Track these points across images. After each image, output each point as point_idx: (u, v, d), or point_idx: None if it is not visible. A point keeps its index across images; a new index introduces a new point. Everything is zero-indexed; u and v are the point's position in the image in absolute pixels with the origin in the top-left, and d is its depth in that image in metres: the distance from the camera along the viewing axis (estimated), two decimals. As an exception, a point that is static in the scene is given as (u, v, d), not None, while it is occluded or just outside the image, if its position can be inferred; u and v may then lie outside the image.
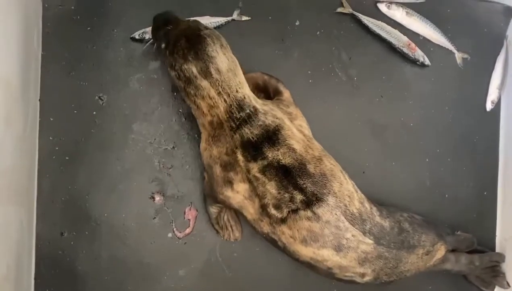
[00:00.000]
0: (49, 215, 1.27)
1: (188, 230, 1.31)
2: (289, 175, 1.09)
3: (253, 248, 1.32)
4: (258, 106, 1.15)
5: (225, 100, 1.11)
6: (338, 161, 1.22)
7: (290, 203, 1.08)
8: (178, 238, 1.31)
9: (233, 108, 1.12)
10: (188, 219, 1.32)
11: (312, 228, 1.08)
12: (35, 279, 1.27)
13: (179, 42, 1.10)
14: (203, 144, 1.19)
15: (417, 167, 1.42)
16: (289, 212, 1.09)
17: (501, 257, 1.38)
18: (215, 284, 1.32)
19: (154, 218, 1.31)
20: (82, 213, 1.28)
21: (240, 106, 1.12)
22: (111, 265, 1.29)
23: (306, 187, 1.09)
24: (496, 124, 1.46)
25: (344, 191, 1.13)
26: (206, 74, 1.10)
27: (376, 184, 1.37)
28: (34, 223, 1.27)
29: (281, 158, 1.09)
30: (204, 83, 1.10)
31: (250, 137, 1.10)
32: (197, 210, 1.32)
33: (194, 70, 1.09)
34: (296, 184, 1.08)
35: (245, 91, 1.15)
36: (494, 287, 1.37)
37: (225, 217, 1.28)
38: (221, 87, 1.11)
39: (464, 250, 1.34)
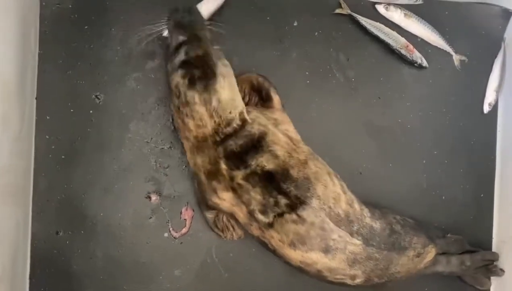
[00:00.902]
0: (45, 214, 1.27)
1: (184, 230, 1.31)
2: (273, 180, 1.10)
3: (249, 249, 1.32)
4: (246, 117, 1.15)
5: (215, 122, 1.11)
6: (334, 162, 1.22)
7: (275, 207, 1.09)
8: (174, 238, 1.31)
9: (221, 126, 1.12)
10: (185, 219, 1.31)
11: (298, 231, 1.09)
12: (30, 278, 1.26)
13: (193, 70, 1.09)
14: (188, 154, 1.20)
15: (414, 169, 1.42)
16: (275, 216, 1.09)
17: (494, 256, 1.38)
18: (211, 285, 1.32)
19: (150, 217, 1.31)
20: (78, 212, 1.28)
21: (228, 123, 1.12)
22: (106, 264, 1.28)
23: (290, 191, 1.09)
24: (493, 126, 1.46)
25: (329, 193, 1.13)
26: (206, 103, 1.10)
27: (372, 185, 1.37)
28: (30, 222, 1.26)
29: (265, 164, 1.10)
30: (202, 109, 1.10)
31: (234, 149, 1.11)
32: (193, 210, 1.32)
33: (197, 98, 1.09)
34: (280, 188, 1.09)
35: (238, 109, 1.14)
36: (490, 286, 1.37)
37: (224, 218, 1.27)
38: (215, 112, 1.11)
39: (455, 252, 1.33)
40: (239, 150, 1.11)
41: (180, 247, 1.31)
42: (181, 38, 1.12)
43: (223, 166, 1.11)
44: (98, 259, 1.28)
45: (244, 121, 1.14)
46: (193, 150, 1.16)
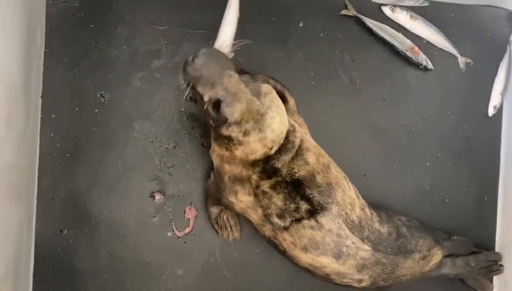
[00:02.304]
0: (49, 212, 1.27)
1: (187, 230, 1.31)
2: (299, 187, 1.09)
3: (253, 249, 1.32)
4: (291, 129, 1.10)
5: (269, 148, 1.05)
6: (339, 163, 1.22)
7: (294, 213, 1.09)
8: (177, 237, 1.31)
9: (272, 149, 1.06)
10: (188, 219, 1.31)
11: (314, 237, 1.09)
12: (34, 276, 1.27)
13: (244, 125, 1.00)
14: (215, 153, 1.15)
15: (417, 171, 1.42)
16: (292, 221, 1.09)
17: (498, 256, 1.38)
18: (214, 285, 1.32)
19: (154, 217, 1.31)
20: (82, 210, 1.28)
21: (279, 143, 1.07)
22: (110, 263, 1.28)
23: (314, 196, 1.09)
24: (498, 129, 1.46)
25: (347, 198, 1.13)
26: (262, 140, 1.03)
27: (376, 187, 1.37)
28: (34, 220, 1.26)
29: (296, 171, 1.09)
30: (258, 146, 1.04)
31: (276, 165, 1.08)
32: (197, 210, 1.32)
33: (252, 139, 1.02)
34: (304, 194, 1.09)
35: (287, 125, 1.08)
36: (492, 289, 1.37)
37: (225, 217, 1.28)
38: (270, 141, 1.04)
39: (462, 254, 1.34)
40: (280, 165, 1.08)
41: (183, 246, 1.31)
42: (213, 96, 1.00)
43: (253, 176, 1.09)
44: (101, 257, 1.28)
45: (288, 133, 1.09)
46: (223, 157, 1.12)
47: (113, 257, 1.29)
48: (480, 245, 1.39)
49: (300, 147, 1.10)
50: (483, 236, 1.43)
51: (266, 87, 1.07)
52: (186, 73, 1.01)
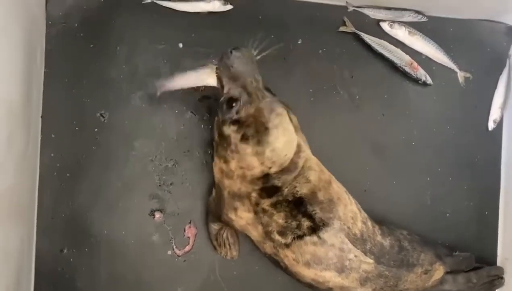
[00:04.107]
0: (49, 232, 1.27)
1: (187, 248, 1.31)
2: (301, 204, 1.09)
3: (253, 267, 1.32)
4: (295, 150, 1.09)
5: (266, 167, 1.05)
6: (339, 179, 1.22)
7: (296, 230, 1.09)
8: (177, 255, 1.31)
9: (271, 169, 1.06)
10: (188, 237, 1.31)
11: (317, 252, 1.09)
12: (34, 295, 1.27)
13: (245, 129, 1.02)
14: (216, 167, 1.15)
15: (418, 186, 1.41)
16: (294, 238, 1.09)
17: (499, 270, 1.38)
18: (214, 303, 1.31)
19: (154, 235, 1.31)
20: (82, 229, 1.28)
21: (281, 165, 1.06)
22: (110, 282, 1.28)
23: (316, 213, 1.09)
24: (498, 143, 1.46)
25: (348, 212, 1.13)
26: (259, 154, 1.04)
27: (377, 202, 1.37)
28: (34, 240, 1.27)
29: (298, 190, 1.08)
30: (253, 160, 1.04)
31: (277, 184, 1.08)
32: (196, 228, 1.32)
33: (249, 150, 1.03)
34: (306, 211, 1.09)
35: (294, 149, 1.08)
36: None
37: (224, 234, 1.28)
38: (268, 160, 1.05)
39: (464, 269, 1.33)
40: (281, 184, 1.08)
41: (183, 264, 1.31)
42: (232, 92, 1.05)
43: (253, 194, 1.10)
44: (101, 276, 1.28)
45: (294, 154, 1.08)
46: (223, 171, 1.12)
47: (113, 275, 1.28)
48: (481, 259, 1.39)
49: (303, 166, 1.10)
50: (484, 250, 1.43)
51: (280, 109, 1.08)
52: (220, 61, 1.07)
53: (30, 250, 1.25)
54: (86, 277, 1.28)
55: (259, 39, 1.13)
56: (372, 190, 1.38)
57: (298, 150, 1.10)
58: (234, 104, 1.03)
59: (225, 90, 1.07)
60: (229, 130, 1.05)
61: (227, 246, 1.28)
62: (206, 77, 1.10)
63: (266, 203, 1.09)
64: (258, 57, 1.13)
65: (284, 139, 1.05)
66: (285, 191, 1.08)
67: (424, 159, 1.42)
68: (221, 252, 1.29)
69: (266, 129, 1.03)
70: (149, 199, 1.31)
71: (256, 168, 1.05)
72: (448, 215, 1.42)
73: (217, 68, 1.09)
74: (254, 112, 1.03)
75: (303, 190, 1.09)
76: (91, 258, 1.28)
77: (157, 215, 1.30)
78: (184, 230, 1.31)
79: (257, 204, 1.10)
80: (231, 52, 1.06)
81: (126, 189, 1.30)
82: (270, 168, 1.06)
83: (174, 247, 1.31)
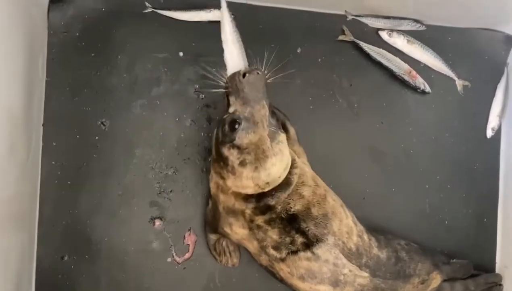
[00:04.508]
0: (50, 239, 1.28)
1: (187, 255, 1.32)
2: (294, 221, 1.09)
3: (252, 274, 1.33)
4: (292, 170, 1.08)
5: (260, 188, 1.05)
6: (338, 187, 1.23)
7: (290, 245, 1.09)
8: (177, 263, 1.31)
9: (265, 189, 1.06)
10: (188, 244, 1.32)
11: (311, 267, 1.09)
12: (34, 302, 1.28)
13: (245, 155, 1.01)
14: (213, 181, 1.16)
15: (416, 193, 1.42)
16: (288, 253, 1.10)
17: (497, 277, 1.38)
18: (214, 310, 1.32)
19: (154, 242, 1.31)
20: (83, 237, 1.29)
21: (274, 185, 1.06)
22: (110, 289, 1.29)
23: (309, 229, 1.09)
24: (496, 151, 1.47)
25: (343, 227, 1.13)
26: (254, 179, 1.03)
27: (375, 210, 1.38)
28: (35, 247, 1.27)
29: (291, 206, 1.08)
30: (248, 182, 1.04)
31: (270, 203, 1.08)
32: (196, 235, 1.32)
33: (245, 174, 1.02)
34: (299, 228, 1.09)
35: (288, 171, 1.07)
36: None
37: (224, 243, 1.28)
38: (263, 183, 1.04)
39: (461, 277, 1.33)
40: (275, 202, 1.07)
41: (183, 272, 1.32)
42: (237, 116, 1.01)
43: (247, 211, 1.10)
44: (102, 283, 1.29)
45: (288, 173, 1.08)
46: (219, 186, 1.12)
47: (114, 283, 1.29)
48: (480, 267, 1.39)
49: (296, 183, 1.10)
50: (483, 257, 1.43)
51: (282, 137, 1.07)
52: (231, 79, 1.04)
53: (31, 257, 1.26)
54: (87, 284, 1.28)
55: (270, 61, 1.11)
56: (371, 197, 1.39)
57: (292, 166, 1.10)
58: (236, 126, 1.00)
59: (230, 109, 1.04)
60: (228, 153, 1.03)
61: (227, 254, 1.29)
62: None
63: (260, 220, 1.09)
64: (270, 80, 1.10)
65: (280, 164, 1.05)
66: (279, 208, 1.08)
67: (423, 167, 1.43)
68: (222, 260, 1.30)
69: (265, 157, 1.01)
70: (149, 207, 1.31)
71: (251, 188, 1.05)
72: (446, 222, 1.43)
73: (226, 84, 1.06)
74: (256, 141, 1.01)
75: (296, 206, 1.09)
76: (91, 265, 1.29)
77: (157, 222, 1.31)
78: (184, 238, 1.32)
79: (251, 221, 1.10)
80: (244, 75, 1.02)
81: (127, 196, 1.31)
82: (263, 188, 1.06)
83: (174, 254, 1.31)
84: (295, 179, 1.09)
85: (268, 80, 1.09)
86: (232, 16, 1.27)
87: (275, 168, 1.04)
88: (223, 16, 1.24)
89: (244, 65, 1.20)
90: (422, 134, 1.43)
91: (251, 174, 1.02)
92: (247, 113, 1.01)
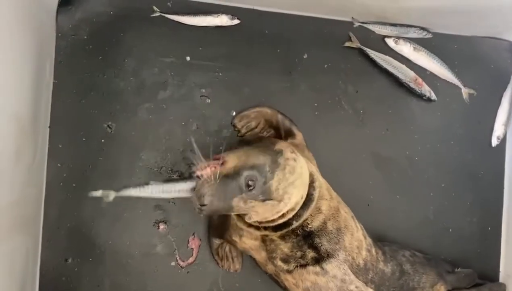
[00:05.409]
0: (54, 241, 1.28)
1: (191, 259, 1.32)
2: (308, 236, 1.07)
3: (255, 279, 1.32)
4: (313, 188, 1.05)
5: (286, 219, 1.02)
6: (343, 193, 1.23)
7: (300, 259, 1.08)
8: (181, 267, 1.31)
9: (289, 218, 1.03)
10: (192, 248, 1.32)
11: (317, 281, 1.09)
12: (38, 305, 1.28)
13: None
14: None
15: (421, 201, 1.42)
16: (296, 266, 1.09)
17: (502, 287, 1.38)
18: (217, 314, 1.32)
19: (158, 246, 1.31)
20: (87, 240, 1.29)
21: (298, 214, 1.03)
22: (114, 292, 1.29)
23: (322, 245, 1.08)
24: (501, 160, 1.47)
25: (354, 242, 1.12)
26: (266, 212, 1.00)
27: (380, 217, 1.38)
28: (39, 250, 1.27)
29: (309, 223, 1.06)
30: (268, 214, 1.00)
31: (293, 226, 1.04)
32: (200, 239, 1.32)
33: (261, 209, 0.98)
34: (313, 243, 1.08)
35: (307, 187, 1.03)
36: None
37: (227, 248, 1.29)
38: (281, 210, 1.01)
39: (466, 286, 1.33)
40: (297, 224, 1.04)
41: (186, 276, 1.31)
42: (251, 183, 0.95)
43: (264, 230, 1.07)
44: (105, 286, 1.29)
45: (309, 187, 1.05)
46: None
47: (117, 286, 1.29)
48: (484, 275, 1.39)
49: (318, 198, 1.06)
50: (487, 266, 1.43)
51: (301, 160, 1.03)
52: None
53: (35, 259, 1.26)
54: (90, 287, 1.28)
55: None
56: (375, 204, 1.39)
57: (312, 180, 1.06)
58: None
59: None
60: (241, 203, 0.96)
61: (230, 259, 1.29)
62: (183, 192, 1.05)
63: (275, 235, 1.08)
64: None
65: (297, 191, 1.00)
66: (297, 226, 1.05)
67: (428, 174, 1.43)
68: (224, 265, 1.30)
69: (279, 202, 0.98)
70: (154, 210, 1.31)
71: (270, 217, 1.01)
72: (450, 230, 1.43)
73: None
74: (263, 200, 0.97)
75: (314, 223, 1.06)
76: (95, 268, 1.29)
77: (162, 226, 1.31)
78: (188, 242, 1.32)
79: (266, 235, 1.10)
80: (200, 207, 0.95)
81: (131, 200, 1.29)
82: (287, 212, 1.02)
83: (178, 258, 1.31)
84: (316, 194, 1.05)
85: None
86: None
87: (294, 197, 0.99)
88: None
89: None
90: (427, 142, 1.43)
91: (262, 208, 0.98)
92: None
